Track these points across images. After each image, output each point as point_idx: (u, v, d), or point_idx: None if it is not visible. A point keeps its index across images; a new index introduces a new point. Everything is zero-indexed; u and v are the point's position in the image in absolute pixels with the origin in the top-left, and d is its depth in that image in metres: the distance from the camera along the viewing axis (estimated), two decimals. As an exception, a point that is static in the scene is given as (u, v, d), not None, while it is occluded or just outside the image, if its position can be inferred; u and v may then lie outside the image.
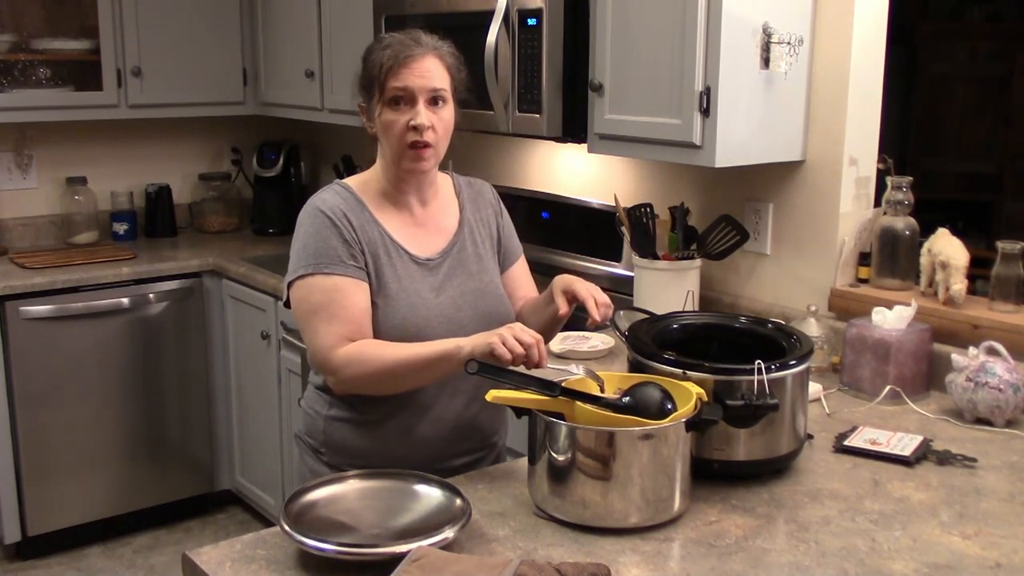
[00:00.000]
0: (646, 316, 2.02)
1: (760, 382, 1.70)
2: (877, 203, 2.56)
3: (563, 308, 1.85)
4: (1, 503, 3.53)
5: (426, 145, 1.83)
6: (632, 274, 2.75)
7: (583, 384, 1.72)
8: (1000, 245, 2.31)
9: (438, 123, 1.83)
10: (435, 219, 1.95)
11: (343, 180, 1.94)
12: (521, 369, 1.70)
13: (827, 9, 2.45)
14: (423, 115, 1.81)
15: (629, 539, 1.58)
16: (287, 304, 1.90)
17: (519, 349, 1.66)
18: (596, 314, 1.80)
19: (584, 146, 2.66)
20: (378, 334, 1.83)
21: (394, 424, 1.89)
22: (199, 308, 3.81)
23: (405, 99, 1.81)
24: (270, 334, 3.53)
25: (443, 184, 1.99)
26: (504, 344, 1.66)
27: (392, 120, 1.82)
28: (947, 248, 2.35)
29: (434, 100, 1.83)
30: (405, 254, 1.88)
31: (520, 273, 2.08)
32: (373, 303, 1.84)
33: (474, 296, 1.92)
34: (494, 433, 2.03)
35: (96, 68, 3.77)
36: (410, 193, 1.93)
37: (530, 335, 1.68)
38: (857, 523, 1.66)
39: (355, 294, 1.82)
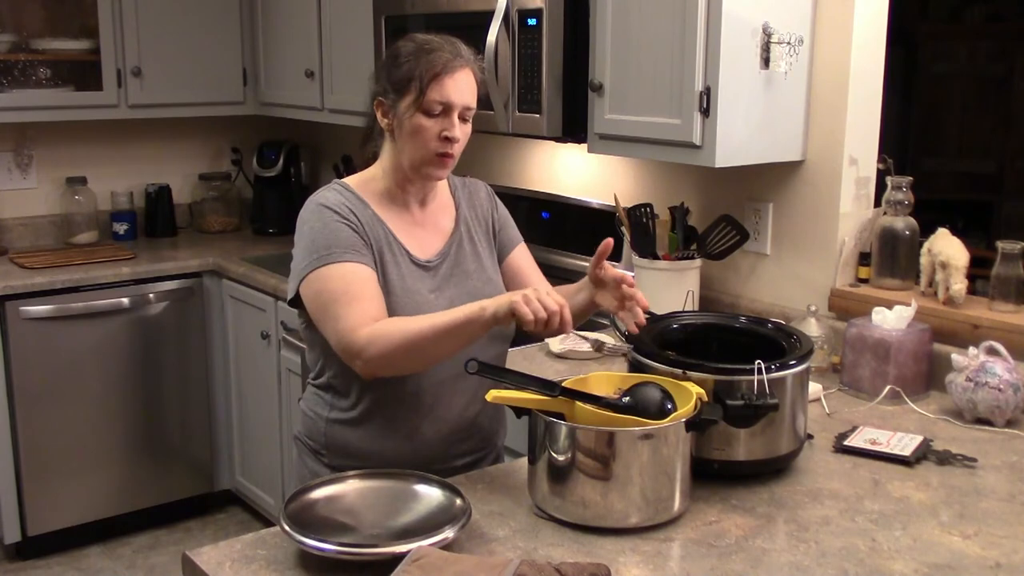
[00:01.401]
0: (646, 316, 2.02)
1: (760, 382, 1.70)
2: (877, 203, 2.56)
3: (608, 271, 1.84)
4: (1, 503, 3.54)
5: (451, 155, 1.84)
6: (632, 274, 2.74)
7: (583, 384, 1.72)
8: (1000, 245, 2.31)
9: (464, 137, 1.85)
10: (433, 219, 1.95)
11: (342, 180, 1.93)
12: (522, 369, 1.69)
13: (827, 9, 2.45)
14: (458, 128, 1.82)
15: (629, 539, 1.58)
16: (291, 303, 1.87)
17: (542, 312, 1.62)
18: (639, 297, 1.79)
19: (584, 146, 2.66)
20: None
21: (396, 425, 1.88)
22: (199, 308, 3.81)
23: (443, 110, 1.81)
24: (270, 334, 3.53)
25: (440, 184, 1.99)
26: (527, 304, 1.62)
27: (425, 126, 1.80)
28: (947, 248, 2.35)
29: (463, 115, 1.84)
30: (406, 254, 1.88)
31: (524, 261, 2.05)
32: None
33: (472, 296, 1.90)
34: (494, 433, 2.03)
35: (96, 68, 3.77)
36: (413, 194, 1.92)
37: (555, 300, 1.64)
38: (857, 523, 1.66)
39: (371, 281, 1.80)
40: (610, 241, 1.81)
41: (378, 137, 1.93)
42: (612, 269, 1.83)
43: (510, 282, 2.01)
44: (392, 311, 1.82)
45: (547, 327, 1.63)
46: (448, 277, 1.91)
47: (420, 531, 1.50)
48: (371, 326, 1.74)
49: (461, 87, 1.81)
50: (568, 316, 1.65)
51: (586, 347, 2.55)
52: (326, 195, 1.88)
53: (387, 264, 1.85)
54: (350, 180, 1.93)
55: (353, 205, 1.85)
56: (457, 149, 1.84)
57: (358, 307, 1.75)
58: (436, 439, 1.91)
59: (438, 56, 1.80)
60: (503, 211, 2.06)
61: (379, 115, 1.87)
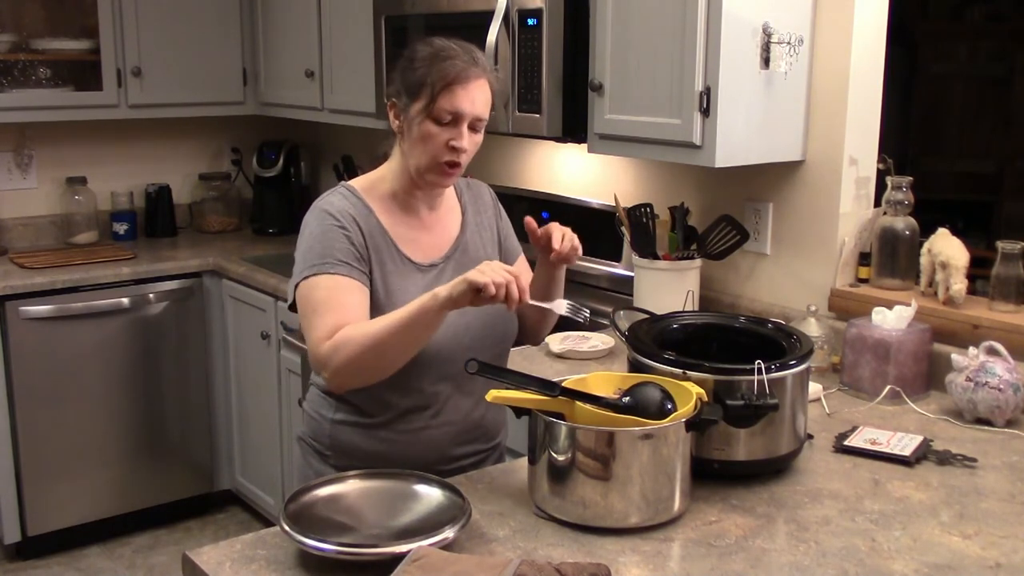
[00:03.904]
0: (646, 316, 2.02)
1: (760, 382, 1.70)
2: (877, 203, 2.56)
3: (545, 241, 1.83)
4: (1, 503, 3.54)
5: (456, 165, 1.82)
6: (632, 274, 2.75)
7: (583, 384, 1.72)
8: (1000, 245, 2.31)
9: (472, 147, 1.83)
10: (440, 222, 1.94)
11: (349, 183, 1.92)
12: (522, 369, 1.69)
13: (827, 9, 2.45)
14: (466, 139, 1.80)
15: (629, 539, 1.58)
16: (291, 307, 1.87)
17: (500, 278, 1.62)
18: (558, 243, 1.79)
19: (584, 146, 2.66)
20: None
21: (402, 426, 1.87)
22: (199, 308, 3.81)
23: (453, 119, 1.79)
24: (270, 334, 3.53)
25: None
26: (482, 276, 1.62)
27: (434, 134, 1.79)
28: (947, 248, 2.35)
29: (474, 125, 1.82)
30: (409, 262, 1.87)
31: (521, 272, 2.07)
32: (379, 310, 1.81)
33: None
34: (497, 433, 2.02)
35: (96, 68, 3.77)
36: (421, 198, 1.91)
37: (508, 270, 1.65)
38: (857, 523, 1.66)
39: (355, 293, 1.79)
40: (529, 219, 1.85)
41: (391, 137, 1.91)
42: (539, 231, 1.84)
43: None
44: None
45: (508, 299, 1.64)
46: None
47: (420, 531, 1.50)
48: (333, 337, 1.74)
49: (473, 97, 1.79)
50: (524, 285, 1.66)
51: (586, 347, 2.55)
52: (331, 200, 1.86)
53: (389, 274, 1.84)
54: (358, 182, 1.92)
55: (357, 212, 1.84)
56: (464, 159, 1.83)
57: (330, 319, 1.76)
58: (443, 440, 1.90)
59: (452, 64, 1.77)
60: (506, 220, 2.06)
61: (391, 116, 1.86)
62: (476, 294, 1.64)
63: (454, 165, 1.82)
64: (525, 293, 1.66)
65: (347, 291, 1.79)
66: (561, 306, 1.82)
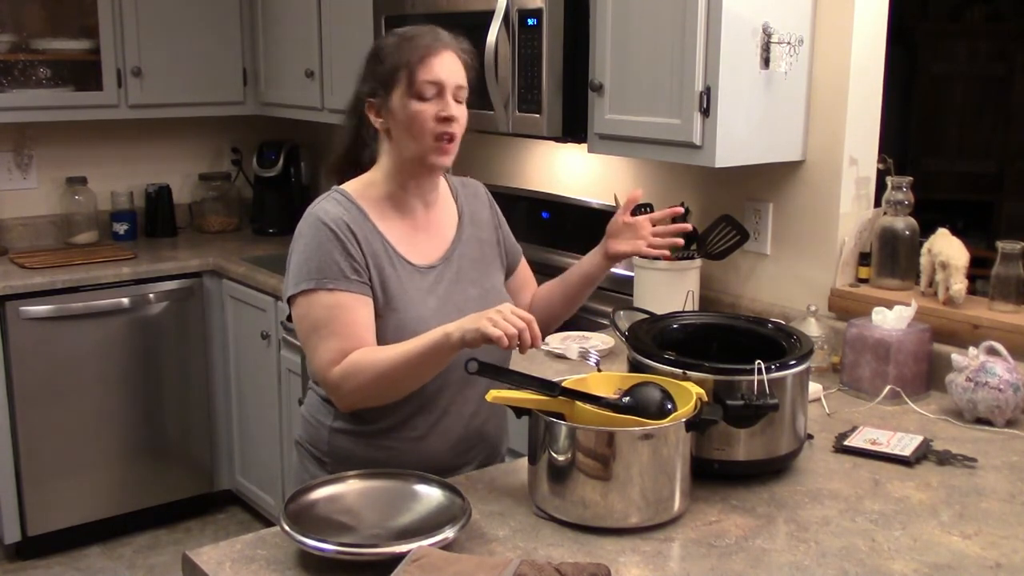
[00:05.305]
0: (646, 316, 2.02)
1: (760, 382, 1.70)
2: (877, 203, 2.56)
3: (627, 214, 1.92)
4: (1, 503, 3.54)
5: (452, 138, 1.81)
6: (632, 274, 2.75)
7: (583, 384, 1.72)
8: (1000, 245, 2.31)
9: (462, 118, 1.82)
10: (437, 222, 1.93)
11: (341, 187, 1.89)
12: (522, 369, 1.69)
13: (827, 9, 2.45)
14: (453, 106, 1.80)
15: (629, 539, 1.58)
16: (289, 317, 1.87)
17: (512, 330, 1.62)
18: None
19: (584, 146, 2.66)
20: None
21: (402, 436, 1.86)
22: (199, 308, 3.81)
23: (436, 91, 1.78)
24: (270, 334, 3.53)
25: (441, 186, 1.96)
26: (496, 326, 1.62)
27: (421, 110, 1.78)
28: (947, 248, 2.35)
29: (457, 95, 1.81)
30: (407, 264, 1.85)
31: (526, 274, 2.08)
32: (380, 316, 1.80)
33: (478, 303, 1.86)
34: (500, 442, 2.01)
35: (96, 68, 3.77)
36: (416, 195, 1.89)
37: (521, 315, 1.65)
38: (857, 523, 1.66)
39: (358, 310, 1.78)
40: (639, 191, 1.96)
41: (371, 142, 1.89)
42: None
43: (516, 294, 2.02)
44: (397, 323, 1.80)
45: (521, 345, 1.65)
46: (454, 282, 1.88)
47: (420, 531, 1.50)
48: (342, 363, 1.75)
49: (449, 67, 1.80)
50: (537, 331, 1.66)
51: (586, 347, 2.54)
52: (325, 207, 1.83)
53: (388, 279, 1.82)
54: (350, 186, 1.89)
55: (352, 219, 1.82)
56: (457, 131, 1.81)
57: (335, 343, 1.76)
58: (443, 449, 1.89)
59: (420, 39, 1.80)
60: (503, 220, 2.05)
61: (372, 116, 1.84)
62: (488, 340, 1.64)
63: (450, 139, 1.81)
64: (538, 339, 1.66)
65: (349, 309, 1.77)
66: (572, 351, 1.83)
